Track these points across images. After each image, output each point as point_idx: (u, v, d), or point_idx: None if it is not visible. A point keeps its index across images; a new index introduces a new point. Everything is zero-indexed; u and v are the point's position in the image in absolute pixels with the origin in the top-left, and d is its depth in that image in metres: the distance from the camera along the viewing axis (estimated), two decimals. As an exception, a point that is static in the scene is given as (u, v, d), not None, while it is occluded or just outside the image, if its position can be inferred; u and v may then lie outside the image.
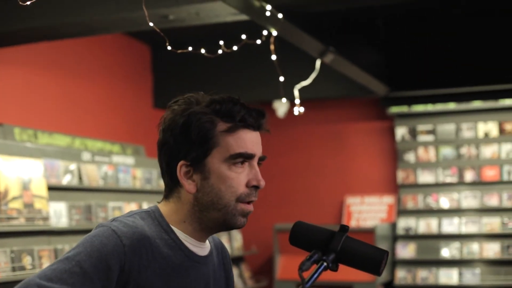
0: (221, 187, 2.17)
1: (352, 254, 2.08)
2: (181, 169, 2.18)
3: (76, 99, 7.50)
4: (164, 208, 2.27)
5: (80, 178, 6.01)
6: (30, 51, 6.78)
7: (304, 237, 2.17)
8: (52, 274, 2.03)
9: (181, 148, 2.18)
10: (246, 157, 2.20)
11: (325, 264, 2.03)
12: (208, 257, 2.31)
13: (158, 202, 2.32)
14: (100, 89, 7.93)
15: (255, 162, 2.23)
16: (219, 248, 2.45)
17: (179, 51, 4.10)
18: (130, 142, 7.81)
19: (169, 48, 4.00)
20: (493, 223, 8.81)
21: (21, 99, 6.76)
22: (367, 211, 9.37)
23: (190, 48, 4.13)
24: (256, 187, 2.22)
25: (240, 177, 2.19)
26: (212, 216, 2.21)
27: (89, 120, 7.69)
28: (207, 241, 2.32)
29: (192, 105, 2.20)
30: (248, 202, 2.22)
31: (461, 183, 9.03)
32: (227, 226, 2.23)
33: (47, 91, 7.10)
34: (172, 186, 2.24)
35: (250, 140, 2.22)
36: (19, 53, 6.68)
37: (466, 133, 9.07)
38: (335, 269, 2.08)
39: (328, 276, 8.06)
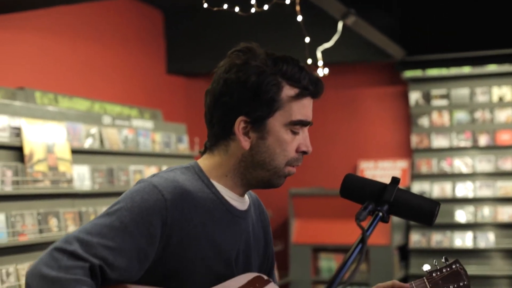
0: (277, 149, 2.19)
1: (405, 205, 2.09)
2: (239, 124, 2.18)
3: (92, 64, 7.50)
4: (206, 162, 2.27)
5: (101, 141, 6.03)
6: (47, 16, 6.77)
7: (356, 189, 2.18)
8: (92, 228, 2.04)
9: (245, 104, 2.17)
10: (304, 124, 2.23)
11: (380, 214, 2.04)
12: (248, 212, 2.33)
13: (200, 152, 2.33)
14: (114, 55, 7.92)
15: (307, 128, 2.26)
16: (256, 203, 2.46)
17: (215, 8, 4.08)
18: (146, 106, 7.82)
19: (205, 5, 3.98)
20: (507, 187, 8.82)
21: (39, 63, 6.76)
22: (380, 176, 9.37)
23: (225, 6, 4.11)
24: (305, 153, 2.25)
25: (293, 142, 2.22)
26: (257, 175, 2.22)
27: (106, 85, 7.69)
28: (246, 196, 2.34)
29: (256, 60, 2.19)
30: (293, 166, 2.25)
31: (475, 147, 9.02)
32: (269, 185, 2.25)
33: (65, 56, 7.10)
34: (220, 138, 2.24)
35: (309, 108, 2.26)
36: (36, 18, 6.66)
37: (480, 97, 9.05)
38: (386, 220, 2.09)
39: (343, 239, 8.09)
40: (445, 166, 9.09)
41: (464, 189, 8.95)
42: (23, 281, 4.78)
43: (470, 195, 8.92)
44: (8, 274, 4.70)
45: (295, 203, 8.90)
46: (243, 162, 2.22)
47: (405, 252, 9.05)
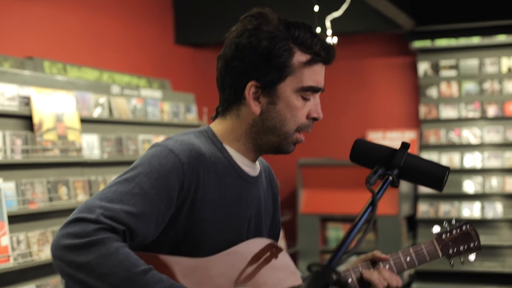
0: (287, 115, 2.20)
1: (414, 170, 2.10)
2: (250, 89, 2.18)
3: (100, 34, 7.50)
4: (219, 126, 2.28)
5: (110, 111, 6.04)
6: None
7: (366, 153, 2.18)
8: (112, 195, 2.04)
9: (256, 69, 2.17)
10: (315, 91, 2.22)
11: (390, 178, 2.05)
12: (259, 178, 2.34)
13: (212, 118, 2.34)
14: (123, 25, 7.91)
15: (318, 95, 2.26)
16: (267, 171, 2.47)
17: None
18: (155, 76, 7.83)
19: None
20: (515, 158, 8.84)
21: (48, 33, 6.76)
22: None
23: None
24: (315, 119, 2.25)
25: (304, 108, 2.22)
26: (268, 140, 2.23)
27: (115, 55, 7.69)
28: (257, 163, 2.35)
29: (269, 25, 2.19)
30: (303, 132, 2.26)
31: (483, 118, 9.02)
32: (279, 150, 2.26)
33: (73, 26, 7.09)
34: (232, 102, 2.24)
35: (321, 74, 2.24)
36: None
37: (489, 68, 9.03)
38: (396, 185, 2.10)
39: (351, 209, 8.11)
40: (454, 136, 9.09)
41: (472, 160, 8.96)
42: (33, 249, 4.82)
43: (478, 165, 8.94)
44: (18, 242, 4.73)
45: (304, 173, 8.92)
46: (254, 127, 2.22)
47: (413, 222, 9.08)
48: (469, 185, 8.93)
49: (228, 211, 2.20)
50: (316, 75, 2.21)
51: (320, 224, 8.83)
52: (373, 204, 1.88)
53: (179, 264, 2.12)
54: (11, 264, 4.56)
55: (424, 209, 9.02)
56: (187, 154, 2.12)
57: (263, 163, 2.45)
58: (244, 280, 2.19)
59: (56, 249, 1.99)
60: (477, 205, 8.85)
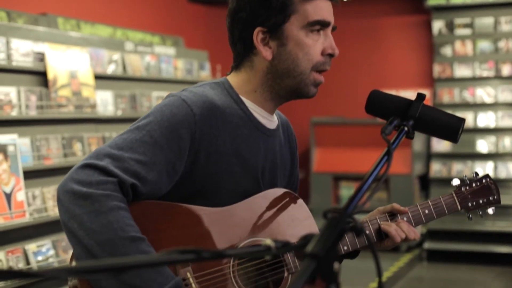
0: (299, 54, 2.19)
1: (430, 121, 2.08)
2: (258, 35, 2.18)
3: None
4: (234, 78, 2.28)
5: (124, 67, 6.04)
6: None
7: (382, 104, 2.16)
8: (122, 143, 2.05)
9: (259, 15, 2.17)
10: (322, 25, 2.20)
11: (405, 129, 2.04)
12: (276, 131, 2.34)
13: (227, 75, 2.34)
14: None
15: (329, 30, 2.24)
16: (285, 125, 2.46)
17: None
18: (169, 33, 7.81)
19: None
20: (529, 117, 8.80)
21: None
22: (402, 106, 9.34)
23: None
24: (331, 55, 2.24)
25: (316, 45, 2.20)
26: (285, 84, 2.22)
27: (128, 12, 7.67)
28: (275, 116, 2.35)
29: None
30: (321, 72, 2.24)
31: (498, 77, 8.96)
32: (299, 94, 2.25)
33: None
34: (244, 55, 2.24)
35: (326, 9, 2.22)
36: None
37: (505, 27, 8.95)
38: (411, 136, 2.09)
39: (364, 168, 8.13)
40: (467, 96, 9.04)
41: (486, 119, 8.92)
42: (49, 204, 4.85)
43: (492, 125, 8.90)
44: (34, 197, 4.77)
45: (317, 132, 8.93)
46: (269, 74, 2.22)
47: (425, 181, 9.08)
48: (483, 145, 8.90)
49: (243, 163, 2.20)
50: (320, 9, 2.20)
51: (333, 183, 8.86)
52: (388, 153, 1.87)
53: (198, 213, 2.14)
54: (26, 219, 4.60)
55: (437, 168, 9.01)
56: (200, 105, 2.12)
57: (281, 118, 2.45)
58: (262, 229, 2.21)
59: (60, 192, 2.01)
60: (490, 164, 8.83)
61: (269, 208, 2.24)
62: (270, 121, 2.31)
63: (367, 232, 2.32)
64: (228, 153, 2.17)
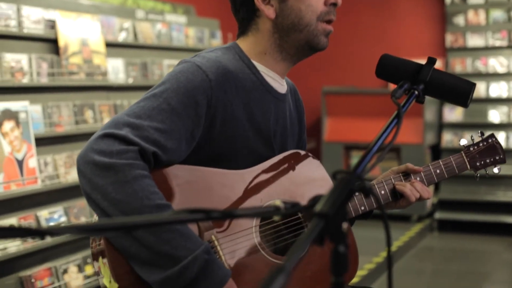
0: (301, 6, 2.20)
1: (440, 85, 2.08)
2: None
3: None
4: (243, 43, 2.29)
5: (135, 35, 6.03)
6: None
7: (392, 68, 2.17)
8: (140, 111, 2.05)
9: None
10: None
11: (416, 92, 2.04)
12: (286, 96, 2.36)
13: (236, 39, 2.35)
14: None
15: None
16: (292, 90, 2.49)
17: None
18: (180, 2, 7.78)
19: None
20: (542, 87, 8.75)
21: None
22: (414, 75, 9.30)
23: None
24: (334, 5, 2.25)
25: None
26: (293, 40, 2.24)
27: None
28: (285, 81, 2.37)
29: None
30: (328, 22, 2.25)
31: (510, 46, 8.89)
32: (310, 47, 2.26)
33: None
34: (249, 19, 2.27)
35: None
36: None
37: (518, -4, 8.88)
38: (422, 100, 2.09)
39: (374, 137, 8.07)
40: (480, 65, 8.99)
41: (498, 89, 8.88)
42: (60, 171, 4.88)
43: (504, 95, 8.86)
44: (46, 164, 4.79)
45: (328, 101, 8.91)
46: (276, 33, 2.24)
47: (437, 151, 9.07)
48: (494, 115, 8.86)
49: (256, 127, 2.22)
50: None
51: (344, 152, 8.85)
52: (398, 116, 1.87)
53: (217, 175, 2.15)
54: (39, 186, 4.62)
55: (448, 138, 8.99)
56: (214, 71, 2.13)
57: (289, 83, 2.46)
58: (282, 192, 2.23)
59: (81, 163, 2.00)
60: (501, 134, 8.79)
61: (287, 170, 2.26)
62: (281, 85, 2.33)
63: (381, 192, 2.35)
64: (242, 118, 2.18)
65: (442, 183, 8.67)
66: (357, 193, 2.18)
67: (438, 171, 2.44)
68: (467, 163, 2.48)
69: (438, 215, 8.70)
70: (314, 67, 9.38)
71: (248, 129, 2.19)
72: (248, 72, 2.23)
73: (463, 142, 2.53)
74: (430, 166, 2.44)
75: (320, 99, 8.97)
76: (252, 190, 2.17)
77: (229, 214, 1.50)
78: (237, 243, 2.12)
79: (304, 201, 2.16)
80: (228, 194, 2.14)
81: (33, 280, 4.44)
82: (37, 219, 4.63)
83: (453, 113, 8.98)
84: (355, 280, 5.55)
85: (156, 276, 1.95)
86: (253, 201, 2.17)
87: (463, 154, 2.49)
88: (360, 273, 6.26)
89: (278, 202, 1.43)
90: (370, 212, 2.43)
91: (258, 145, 2.22)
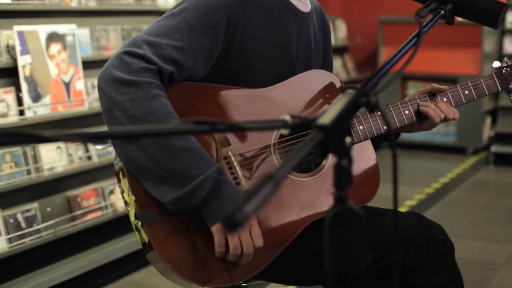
0: None
1: (469, 6, 2.03)
2: None
3: None
4: None
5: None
6: None
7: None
8: (159, 30, 2.05)
9: None
10: None
11: (442, 12, 2.00)
12: (309, 15, 2.33)
13: None
14: None
15: None
16: (318, 9, 2.46)
17: None
18: None
19: None
20: None
21: None
22: None
23: None
24: None
25: None
26: None
27: None
28: (308, 0, 2.35)
29: None
30: None
31: None
32: None
33: None
34: None
35: None
36: None
37: None
38: (451, 21, 2.04)
39: (433, 68, 7.99)
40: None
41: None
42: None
43: None
44: (93, 87, 4.84)
45: (385, 31, 8.78)
46: None
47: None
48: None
49: (277, 46, 2.21)
50: None
51: (401, 83, 8.75)
52: (418, 35, 1.85)
53: (237, 93, 2.16)
54: (85, 108, 4.68)
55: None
56: None
57: (315, 3, 2.45)
58: (300, 110, 2.22)
59: (101, 80, 2.02)
60: None
61: (306, 88, 2.25)
62: (304, 3, 2.32)
63: (404, 112, 2.31)
64: (261, 36, 2.18)
65: (499, 116, 8.52)
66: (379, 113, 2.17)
67: (466, 92, 2.38)
68: (498, 85, 2.41)
69: (494, 148, 8.56)
70: (371, -5, 9.24)
71: (268, 48, 2.18)
72: None
73: (496, 64, 2.46)
74: (458, 87, 2.39)
75: (377, 28, 8.84)
76: (269, 109, 2.17)
77: (235, 127, 1.50)
78: (254, 159, 2.13)
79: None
80: (243, 111, 2.14)
81: (79, 200, 4.53)
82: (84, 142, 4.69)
83: (514, 44, 8.76)
84: (403, 209, 5.53)
85: (169, 196, 1.97)
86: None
87: (494, 76, 2.43)
88: (409, 203, 6.24)
89: (286, 117, 1.42)
90: (397, 135, 2.41)
91: (278, 64, 2.21)
